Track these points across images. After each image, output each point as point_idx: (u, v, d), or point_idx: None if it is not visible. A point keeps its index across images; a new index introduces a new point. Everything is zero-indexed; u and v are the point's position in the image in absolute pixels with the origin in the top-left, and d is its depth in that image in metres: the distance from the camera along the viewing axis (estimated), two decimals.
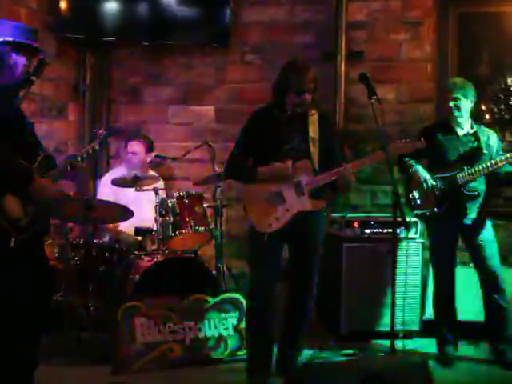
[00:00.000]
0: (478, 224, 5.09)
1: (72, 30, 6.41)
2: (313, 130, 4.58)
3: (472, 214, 5.07)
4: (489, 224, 5.15)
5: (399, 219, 4.29)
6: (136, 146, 6.17)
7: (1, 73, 3.80)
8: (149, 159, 6.22)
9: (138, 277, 5.11)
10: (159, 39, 6.62)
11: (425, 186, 5.05)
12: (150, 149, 6.21)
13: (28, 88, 3.87)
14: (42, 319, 3.99)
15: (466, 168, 5.00)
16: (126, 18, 6.50)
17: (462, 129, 5.17)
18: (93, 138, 6.36)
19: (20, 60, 3.83)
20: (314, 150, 4.56)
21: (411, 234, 5.71)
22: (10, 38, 3.81)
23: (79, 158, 4.18)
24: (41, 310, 3.93)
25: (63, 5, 6.30)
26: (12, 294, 3.76)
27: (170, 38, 6.61)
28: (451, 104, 5.09)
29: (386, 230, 5.70)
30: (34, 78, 3.87)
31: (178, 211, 5.46)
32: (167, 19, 6.53)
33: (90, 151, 4.29)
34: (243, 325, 5.03)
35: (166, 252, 5.38)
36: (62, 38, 6.37)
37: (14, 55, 3.81)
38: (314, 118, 4.61)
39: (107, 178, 6.16)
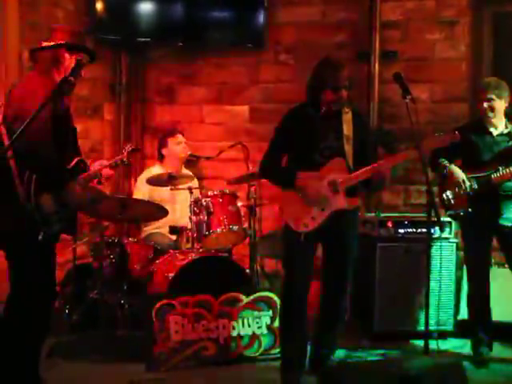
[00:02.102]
0: None
1: (108, 31, 6.46)
2: (347, 129, 4.54)
3: (508, 214, 5.00)
4: None
5: (433, 219, 4.25)
6: (180, 138, 6.23)
7: (58, 72, 4.01)
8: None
9: (172, 275, 5.11)
10: (193, 40, 6.63)
11: (463, 186, 4.99)
12: None
13: (69, 87, 3.92)
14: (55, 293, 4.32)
15: (500, 168, 4.95)
16: (160, 19, 6.53)
17: (496, 129, 5.11)
18: (127, 141, 6.59)
19: (73, 60, 4.02)
20: (348, 148, 4.52)
21: (445, 234, 5.66)
22: (63, 41, 4.06)
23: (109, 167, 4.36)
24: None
25: (99, 7, 6.34)
26: (39, 272, 3.95)
27: (203, 38, 6.62)
28: (485, 105, 5.04)
29: (419, 230, 5.65)
30: (71, 78, 3.91)
31: (211, 210, 5.45)
32: (201, 20, 6.54)
33: (119, 162, 4.45)
34: (277, 323, 5.02)
35: (200, 250, 5.37)
36: (98, 39, 6.38)
37: (67, 56, 4.05)
38: (348, 117, 4.57)
39: (142, 177, 6.18)
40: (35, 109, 3.53)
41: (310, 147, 4.49)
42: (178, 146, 6.21)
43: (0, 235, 3.97)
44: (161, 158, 6.30)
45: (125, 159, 4.50)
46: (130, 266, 5.46)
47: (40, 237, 3.82)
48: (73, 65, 3.99)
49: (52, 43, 4.09)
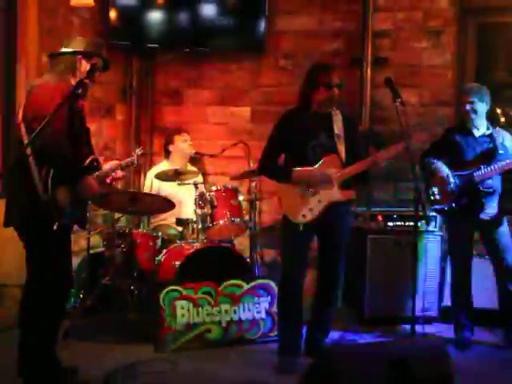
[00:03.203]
0: (494, 219, 5.06)
1: (120, 37, 6.46)
2: (337, 128, 4.58)
3: (488, 209, 5.03)
4: (504, 219, 5.11)
5: (420, 213, 4.28)
6: (186, 136, 6.28)
7: (74, 76, 4.04)
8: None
9: (178, 263, 5.13)
10: (199, 46, 6.62)
11: (447, 181, 5.02)
12: None
13: (84, 89, 3.94)
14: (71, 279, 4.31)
15: (482, 167, 4.98)
16: (168, 27, 6.52)
17: (479, 130, 5.14)
18: (137, 139, 6.61)
19: (87, 66, 4.07)
20: (340, 146, 4.56)
21: (431, 228, 5.69)
22: (81, 49, 4.11)
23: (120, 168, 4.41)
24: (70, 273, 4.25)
25: (112, 15, 6.35)
26: (55, 260, 4.00)
27: (209, 45, 6.61)
28: (468, 107, 5.07)
29: (407, 223, 5.69)
30: (86, 80, 3.94)
31: (215, 203, 5.47)
32: (206, 28, 6.53)
33: (129, 164, 4.54)
34: (275, 309, 5.05)
35: (205, 241, 5.40)
36: (111, 45, 6.37)
37: (84, 62, 4.08)
38: (337, 118, 4.61)
39: (151, 173, 6.21)
40: (52, 109, 3.55)
41: (303, 145, 4.53)
42: (183, 144, 6.24)
43: (19, 225, 4.01)
44: (167, 155, 6.33)
45: (135, 161, 4.58)
46: (140, 255, 5.47)
47: (55, 227, 3.84)
48: (88, 69, 4.02)
49: (70, 50, 4.12)
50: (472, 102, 5.06)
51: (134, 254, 5.44)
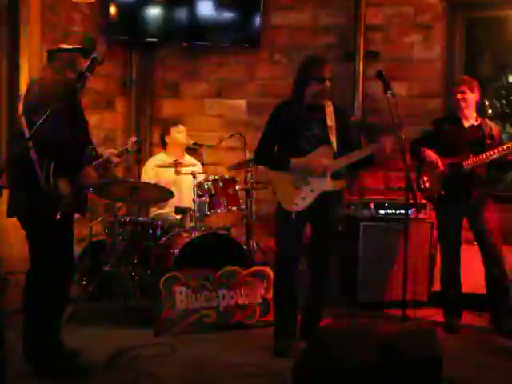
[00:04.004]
0: (482, 206, 5.05)
1: (120, 32, 6.45)
2: (330, 120, 4.56)
3: (476, 196, 5.02)
4: (491, 206, 5.10)
5: (411, 201, 4.27)
6: (181, 127, 6.23)
7: (71, 72, 4.01)
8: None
9: (177, 250, 5.12)
10: (196, 40, 6.62)
11: (436, 165, 5.01)
12: None
13: (83, 82, 3.92)
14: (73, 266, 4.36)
15: (471, 156, 4.96)
16: (167, 22, 6.51)
17: (468, 121, 5.12)
18: (137, 129, 6.60)
19: (86, 63, 4.01)
20: (332, 137, 4.54)
21: (421, 215, 5.68)
22: (78, 46, 4.10)
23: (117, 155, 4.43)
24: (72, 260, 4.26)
25: (112, 10, 6.33)
26: (57, 247, 3.99)
27: (206, 39, 6.60)
28: (459, 96, 5.06)
29: (398, 211, 5.69)
30: (88, 74, 3.92)
31: (213, 193, 5.45)
32: (203, 22, 6.53)
33: (124, 151, 4.60)
34: (271, 294, 5.03)
35: (203, 229, 5.38)
36: (111, 39, 6.39)
37: (81, 59, 4.05)
38: (330, 110, 4.59)
39: (150, 162, 6.19)
40: (52, 103, 3.54)
41: (297, 136, 4.51)
42: (179, 135, 6.21)
43: (21, 215, 4.00)
44: (164, 145, 6.30)
45: (129, 148, 4.66)
46: (140, 243, 5.45)
47: (58, 215, 3.84)
48: (86, 64, 4.00)
49: (69, 46, 4.11)
50: (463, 92, 5.06)
51: (135, 242, 5.41)
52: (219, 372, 4.17)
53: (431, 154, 5.07)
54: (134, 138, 4.82)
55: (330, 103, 4.60)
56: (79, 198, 4.04)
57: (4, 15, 5.32)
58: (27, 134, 3.79)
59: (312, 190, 4.50)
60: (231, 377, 4.09)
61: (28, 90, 4.02)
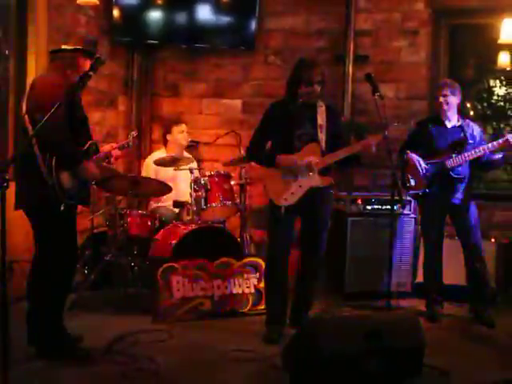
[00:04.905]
0: (464, 203, 5.06)
1: (123, 34, 6.44)
2: (321, 119, 4.56)
3: (458, 194, 5.04)
4: (472, 203, 5.12)
5: (396, 198, 4.28)
6: (183, 127, 6.21)
7: (72, 72, 4.01)
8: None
9: (175, 242, 5.12)
10: (195, 42, 6.62)
11: (419, 166, 5.02)
12: None
13: (86, 81, 3.92)
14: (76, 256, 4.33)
15: (453, 155, 4.98)
16: (167, 25, 6.51)
17: (450, 122, 5.14)
18: (138, 126, 6.60)
19: (86, 63, 4.03)
20: (321, 135, 4.54)
21: (406, 211, 5.70)
22: (80, 47, 4.08)
23: (118, 149, 4.47)
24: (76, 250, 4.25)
25: (116, 13, 6.33)
26: (61, 238, 3.99)
27: (204, 41, 6.60)
28: (441, 99, 5.07)
29: (384, 207, 5.69)
30: (91, 73, 3.92)
31: (209, 187, 5.45)
32: (202, 26, 6.53)
33: (125, 145, 4.62)
34: (263, 284, 5.04)
35: (199, 222, 5.38)
36: (114, 41, 6.39)
37: (82, 59, 4.05)
38: (322, 109, 4.60)
39: (150, 159, 6.18)
40: (53, 101, 3.52)
41: (289, 133, 4.52)
42: (180, 134, 6.20)
43: (27, 207, 4.00)
44: (165, 143, 6.29)
45: (130, 143, 4.66)
46: (140, 234, 5.45)
47: (62, 207, 3.85)
48: (87, 65, 4.00)
49: (70, 47, 4.10)
50: (445, 95, 5.06)
51: (135, 234, 5.41)
52: (217, 357, 4.17)
53: (413, 157, 5.08)
54: (134, 133, 4.82)
55: (322, 103, 4.61)
56: (82, 191, 4.04)
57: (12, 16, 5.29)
58: (31, 132, 3.80)
59: (300, 186, 4.51)
60: (228, 361, 4.10)
61: (30, 90, 4.01)
